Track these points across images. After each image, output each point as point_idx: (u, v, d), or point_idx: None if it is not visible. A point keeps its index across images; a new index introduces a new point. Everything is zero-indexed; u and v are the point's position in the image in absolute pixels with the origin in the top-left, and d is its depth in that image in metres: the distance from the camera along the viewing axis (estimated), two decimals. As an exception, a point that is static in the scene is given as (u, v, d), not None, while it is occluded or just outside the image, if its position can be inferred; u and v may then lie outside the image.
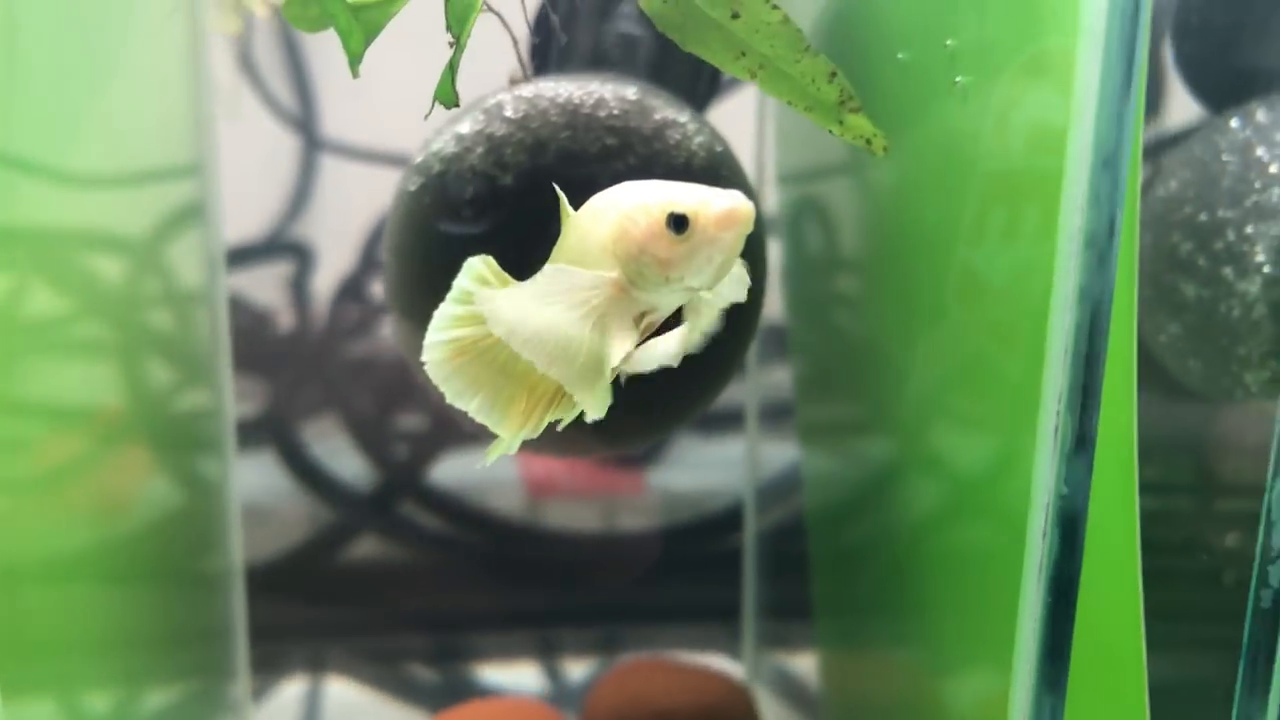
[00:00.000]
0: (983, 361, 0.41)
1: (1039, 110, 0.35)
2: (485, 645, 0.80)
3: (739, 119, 0.68)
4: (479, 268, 0.34)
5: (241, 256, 0.83)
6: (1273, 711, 0.36)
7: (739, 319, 0.47)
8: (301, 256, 0.87)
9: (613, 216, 0.34)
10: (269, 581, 0.73)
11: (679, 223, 0.33)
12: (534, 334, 0.34)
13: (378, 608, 0.82)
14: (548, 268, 0.35)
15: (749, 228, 0.33)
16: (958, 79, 0.38)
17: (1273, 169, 0.49)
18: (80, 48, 0.47)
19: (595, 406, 0.35)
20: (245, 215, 0.83)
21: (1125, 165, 0.31)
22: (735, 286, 0.38)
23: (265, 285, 0.85)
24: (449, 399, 0.35)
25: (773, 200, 0.69)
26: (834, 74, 0.39)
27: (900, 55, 0.42)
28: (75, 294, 0.47)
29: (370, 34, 0.37)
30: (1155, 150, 0.58)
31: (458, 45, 0.38)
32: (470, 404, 0.35)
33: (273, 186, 0.85)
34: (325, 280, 0.86)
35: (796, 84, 0.39)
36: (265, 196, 0.85)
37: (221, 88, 0.69)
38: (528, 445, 0.41)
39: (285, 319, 0.87)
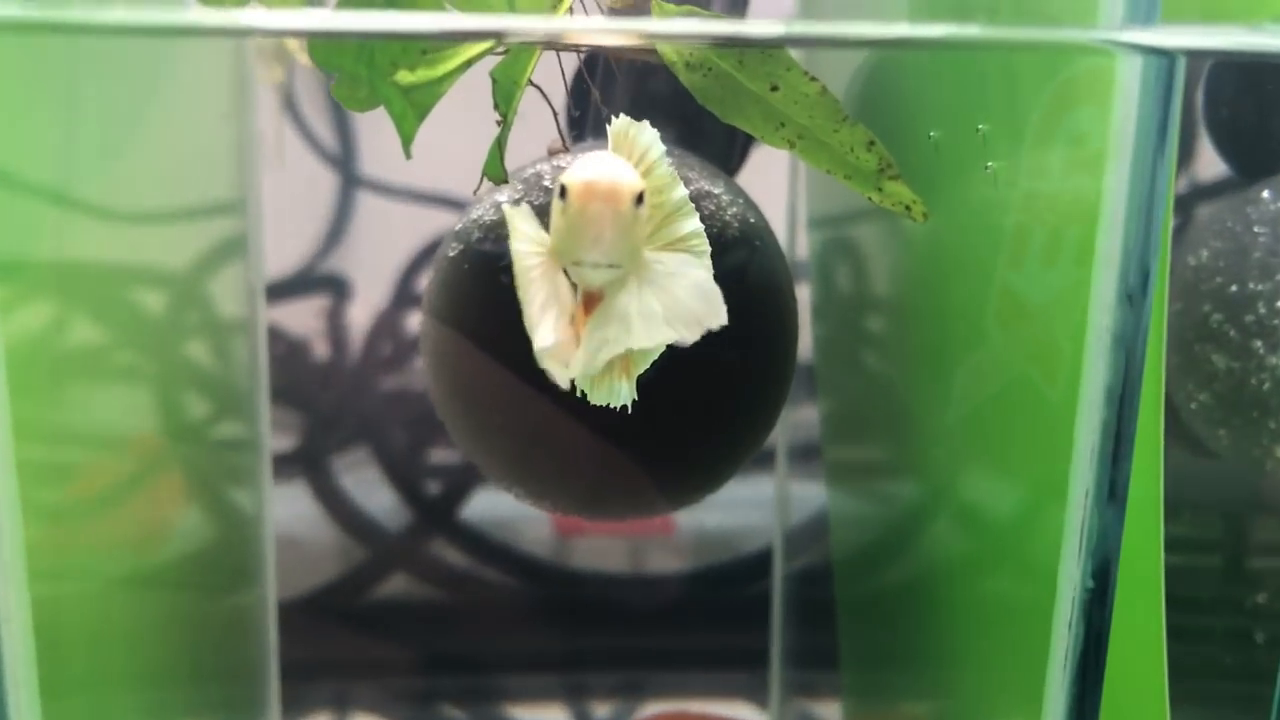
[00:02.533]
0: (1011, 410, 0.42)
1: (1070, 175, 0.36)
2: (514, 686, 0.81)
3: (773, 167, 0.69)
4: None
5: (279, 289, 0.85)
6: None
7: (771, 370, 0.48)
8: (337, 290, 0.89)
9: None
10: (298, 616, 0.74)
11: (563, 193, 0.33)
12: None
13: (407, 646, 0.84)
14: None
15: (614, 202, 0.32)
16: (988, 165, 0.39)
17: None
18: (131, 95, 0.48)
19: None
20: (284, 249, 0.85)
21: (1159, 221, 0.33)
22: (661, 327, 0.35)
23: (302, 317, 0.87)
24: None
25: (804, 244, 0.70)
26: (872, 142, 0.40)
27: (932, 134, 0.43)
28: (119, 325, 0.49)
29: (421, 115, 0.38)
30: (1185, 216, 0.59)
31: (505, 124, 0.40)
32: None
33: (310, 221, 0.87)
34: (360, 313, 0.88)
35: (835, 153, 0.40)
36: (303, 230, 0.87)
37: (268, 135, 0.70)
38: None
39: (320, 350, 0.88)
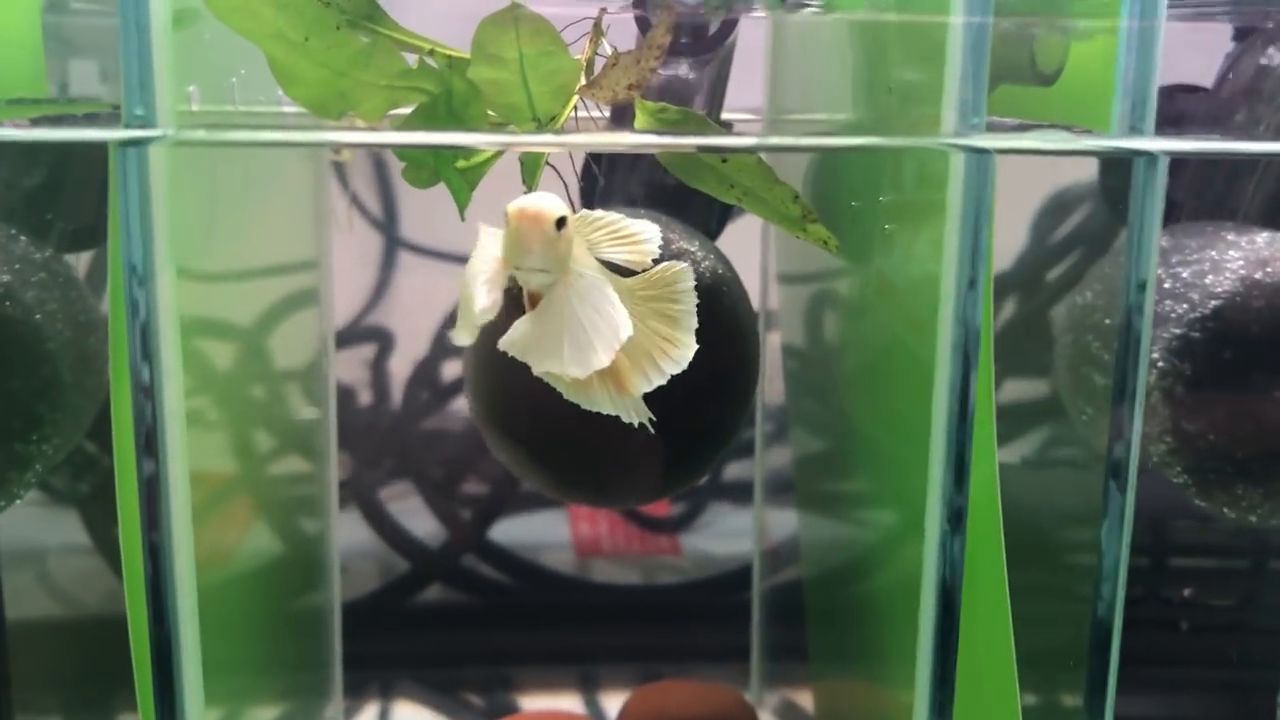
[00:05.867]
0: (913, 445, 0.49)
1: (926, 250, 0.47)
2: (532, 678, 0.88)
3: (748, 233, 0.77)
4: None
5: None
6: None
7: (731, 385, 0.57)
8: (381, 341, 0.99)
9: None
10: (352, 618, 0.81)
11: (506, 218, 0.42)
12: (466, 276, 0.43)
13: (442, 644, 0.92)
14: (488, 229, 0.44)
15: (538, 223, 0.41)
16: (886, 226, 0.51)
17: (1165, 285, 0.60)
18: (242, 176, 0.57)
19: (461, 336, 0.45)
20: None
21: (983, 272, 0.43)
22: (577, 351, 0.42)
23: (349, 367, 0.97)
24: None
25: (774, 297, 0.78)
26: (796, 196, 0.50)
27: (854, 203, 0.55)
28: (243, 369, 0.56)
29: (471, 189, 0.50)
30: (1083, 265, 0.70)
31: (530, 191, 0.51)
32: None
33: (358, 279, 0.97)
34: (401, 363, 0.98)
35: (770, 205, 0.50)
36: (351, 288, 0.97)
37: (339, 208, 0.79)
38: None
39: (365, 396, 0.98)
